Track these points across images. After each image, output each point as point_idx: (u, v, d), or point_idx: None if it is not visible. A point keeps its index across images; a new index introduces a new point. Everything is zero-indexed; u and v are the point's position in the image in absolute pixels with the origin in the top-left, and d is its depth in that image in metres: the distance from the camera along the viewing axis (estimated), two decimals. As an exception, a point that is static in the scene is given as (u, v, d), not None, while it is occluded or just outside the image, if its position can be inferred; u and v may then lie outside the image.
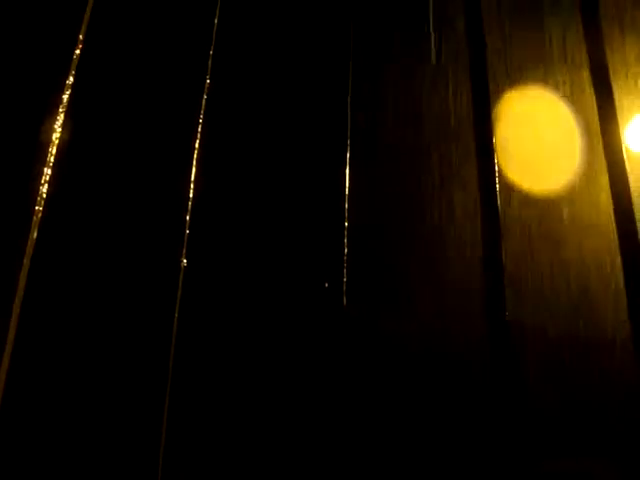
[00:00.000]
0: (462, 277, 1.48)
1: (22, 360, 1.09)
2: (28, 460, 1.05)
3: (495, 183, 1.58)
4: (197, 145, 1.36)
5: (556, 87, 1.76)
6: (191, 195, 1.31)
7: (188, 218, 1.29)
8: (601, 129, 1.71)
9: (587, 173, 1.66)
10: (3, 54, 1.27)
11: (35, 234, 1.16)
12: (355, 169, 1.49)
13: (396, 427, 1.31)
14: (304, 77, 1.55)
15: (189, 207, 1.30)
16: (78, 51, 1.33)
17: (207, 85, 1.43)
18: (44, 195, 1.19)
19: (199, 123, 1.39)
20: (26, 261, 1.14)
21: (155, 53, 1.41)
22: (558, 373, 1.44)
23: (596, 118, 1.72)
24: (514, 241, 1.54)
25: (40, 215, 1.17)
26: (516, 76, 1.76)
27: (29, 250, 1.14)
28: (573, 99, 1.75)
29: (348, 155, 1.50)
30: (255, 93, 1.48)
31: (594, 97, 1.75)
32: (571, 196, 1.63)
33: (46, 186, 1.20)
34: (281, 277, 1.34)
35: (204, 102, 1.41)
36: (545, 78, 1.77)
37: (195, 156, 1.35)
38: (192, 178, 1.33)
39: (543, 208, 1.60)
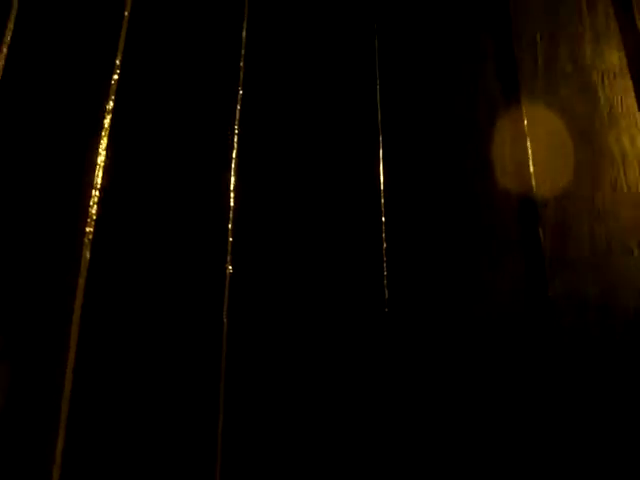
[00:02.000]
0: (503, 264, 1.43)
1: (85, 372, 1.11)
2: (101, 446, 1.07)
3: (530, 169, 1.53)
4: (234, 155, 1.36)
5: (589, 76, 1.69)
6: (232, 204, 1.31)
7: (230, 226, 1.29)
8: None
9: (622, 152, 1.59)
10: (48, 84, 1.29)
11: (88, 254, 1.18)
12: (389, 165, 1.46)
13: (443, 418, 1.28)
14: (333, 79, 1.52)
15: (231, 215, 1.30)
16: (116, 76, 1.34)
17: (240, 95, 1.43)
18: (94, 216, 1.20)
19: (234, 133, 1.38)
20: (81, 281, 1.16)
21: (188, 70, 1.41)
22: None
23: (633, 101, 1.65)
24: (551, 222, 1.49)
25: (91, 236, 1.19)
26: (547, 67, 1.69)
27: (83, 271, 1.16)
28: (606, 84, 1.68)
29: (381, 152, 1.47)
30: (285, 100, 1.47)
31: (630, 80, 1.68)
32: (606, 172, 1.56)
33: (95, 207, 1.21)
34: (323, 275, 1.32)
35: (238, 112, 1.41)
36: (577, 67, 1.70)
37: (233, 166, 1.35)
38: (231, 187, 1.32)
39: (578, 186, 1.54)
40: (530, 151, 1.54)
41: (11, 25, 1.33)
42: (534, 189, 1.50)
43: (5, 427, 1.04)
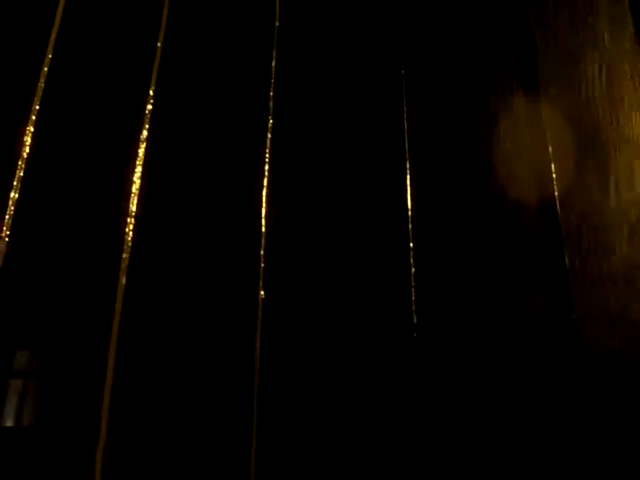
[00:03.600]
0: (528, 285, 1.41)
1: (123, 388, 1.10)
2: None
3: (554, 188, 1.51)
4: (265, 182, 1.36)
5: (598, 75, 1.68)
6: (263, 230, 1.30)
7: (262, 253, 1.28)
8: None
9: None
10: (85, 115, 1.30)
11: (124, 279, 1.17)
12: (417, 191, 1.45)
13: (469, 434, 1.26)
14: (361, 107, 1.52)
15: (262, 243, 1.29)
16: (150, 106, 1.35)
17: (270, 124, 1.43)
18: (129, 243, 1.20)
19: (265, 161, 1.38)
20: (118, 305, 1.15)
21: (219, 99, 1.41)
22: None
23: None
24: (575, 240, 1.46)
25: (127, 262, 1.18)
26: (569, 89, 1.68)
27: (119, 296, 1.16)
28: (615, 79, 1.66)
29: (409, 179, 1.46)
30: (314, 128, 1.47)
31: None
32: (635, 188, 1.54)
33: (130, 234, 1.21)
34: (353, 302, 1.31)
35: (269, 141, 1.41)
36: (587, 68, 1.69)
37: (264, 193, 1.34)
38: (263, 214, 1.32)
39: (603, 203, 1.52)
40: (553, 169, 1.52)
41: (49, 54, 1.34)
42: (558, 208, 1.48)
43: (37, 442, 1.04)
